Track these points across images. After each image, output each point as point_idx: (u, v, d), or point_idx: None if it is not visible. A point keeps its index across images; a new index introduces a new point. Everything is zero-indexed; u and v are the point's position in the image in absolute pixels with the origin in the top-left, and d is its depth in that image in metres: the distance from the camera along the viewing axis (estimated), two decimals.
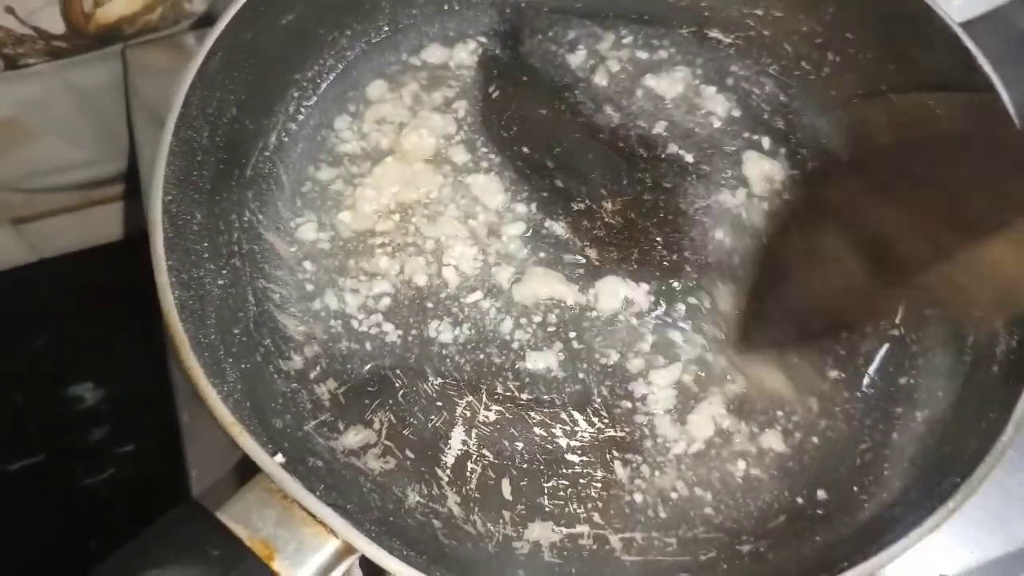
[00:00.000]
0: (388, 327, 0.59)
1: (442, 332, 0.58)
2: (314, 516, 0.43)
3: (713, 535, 0.53)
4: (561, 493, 0.54)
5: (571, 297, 0.60)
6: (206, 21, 0.82)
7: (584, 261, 0.61)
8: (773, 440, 0.56)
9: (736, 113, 0.68)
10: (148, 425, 0.93)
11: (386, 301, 0.60)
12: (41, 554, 0.86)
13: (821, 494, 0.55)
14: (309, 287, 0.60)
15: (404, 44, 0.71)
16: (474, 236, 0.62)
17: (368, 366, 0.57)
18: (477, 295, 0.60)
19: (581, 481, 0.54)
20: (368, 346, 0.58)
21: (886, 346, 0.59)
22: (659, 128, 0.67)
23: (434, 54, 0.70)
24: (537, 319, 0.59)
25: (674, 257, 0.61)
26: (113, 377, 0.98)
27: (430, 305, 0.59)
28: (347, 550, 0.44)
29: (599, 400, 0.57)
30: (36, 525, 0.89)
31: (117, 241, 1.01)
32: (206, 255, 0.56)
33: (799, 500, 0.54)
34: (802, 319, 0.56)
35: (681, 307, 0.60)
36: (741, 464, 0.55)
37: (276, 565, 0.42)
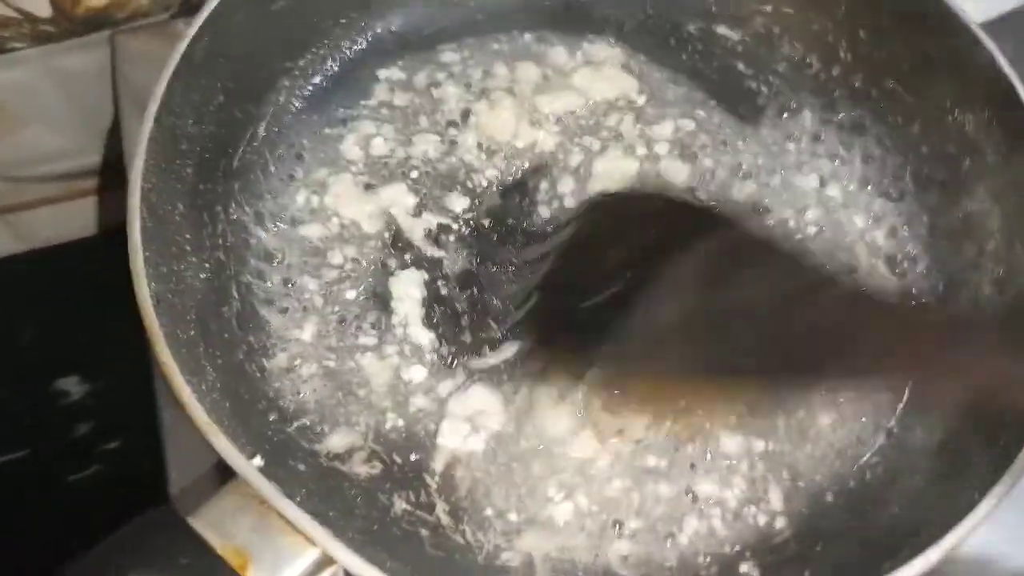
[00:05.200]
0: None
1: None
2: (292, 524, 0.41)
3: (715, 551, 0.51)
4: (558, 501, 0.52)
5: None
6: (194, 7, 0.79)
7: None
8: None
9: None
10: (133, 422, 0.91)
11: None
12: (22, 551, 0.84)
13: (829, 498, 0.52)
14: (296, 283, 0.57)
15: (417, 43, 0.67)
16: None
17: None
18: None
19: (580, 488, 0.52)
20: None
21: None
22: None
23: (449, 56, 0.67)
24: None
25: None
26: (100, 372, 0.96)
27: None
28: (327, 560, 0.41)
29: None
30: (18, 521, 0.87)
31: (107, 232, 0.99)
32: (188, 247, 0.53)
33: (804, 516, 0.52)
34: None
35: None
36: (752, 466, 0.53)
37: (249, 575, 0.40)
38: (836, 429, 0.54)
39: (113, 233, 0.98)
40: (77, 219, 0.98)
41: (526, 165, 0.62)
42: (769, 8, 0.68)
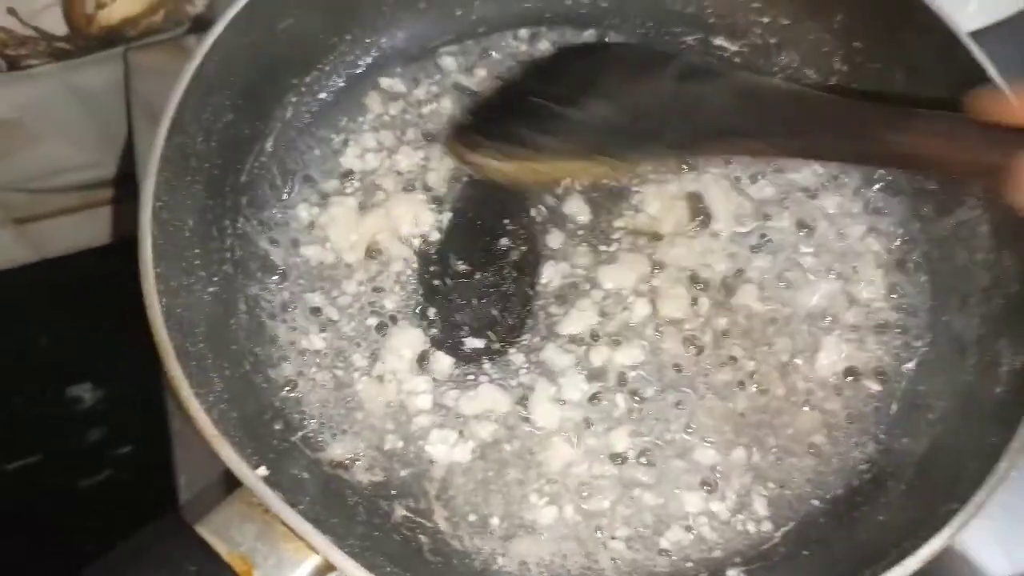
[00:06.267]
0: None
1: None
2: (294, 531, 0.42)
3: (706, 555, 0.52)
4: (551, 508, 0.53)
5: None
6: (205, 24, 0.81)
7: None
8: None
9: None
10: (145, 428, 0.93)
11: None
12: (35, 555, 0.86)
13: (816, 504, 0.54)
14: (302, 296, 0.59)
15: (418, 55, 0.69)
16: None
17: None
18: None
19: (570, 496, 0.54)
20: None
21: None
22: None
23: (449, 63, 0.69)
24: None
25: None
26: (112, 378, 0.98)
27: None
28: (328, 567, 0.43)
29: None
30: (31, 526, 0.88)
31: (118, 242, 1.01)
32: (197, 262, 0.55)
33: (791, 523, 0.53)
34: None
35: None
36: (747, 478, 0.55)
37: None
38: (824, 439, 0.55)
39: (125, 242, 1.00)
40: (91, 229, 0.99)
41: None
42: (766, 19, 0.69)
